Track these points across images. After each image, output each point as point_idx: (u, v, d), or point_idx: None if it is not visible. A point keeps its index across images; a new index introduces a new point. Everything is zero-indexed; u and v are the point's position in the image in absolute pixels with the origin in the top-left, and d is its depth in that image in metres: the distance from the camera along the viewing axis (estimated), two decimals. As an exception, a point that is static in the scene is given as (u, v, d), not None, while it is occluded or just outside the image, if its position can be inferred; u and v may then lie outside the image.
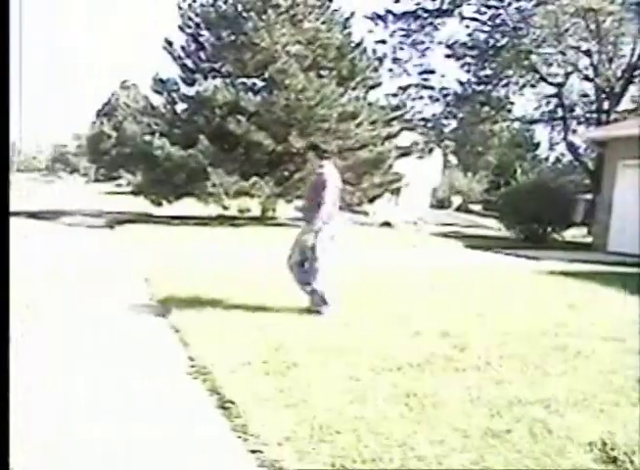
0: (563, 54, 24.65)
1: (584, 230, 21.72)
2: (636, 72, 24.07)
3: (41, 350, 4.21)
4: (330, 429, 2.88)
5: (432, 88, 27.98)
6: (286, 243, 5.74)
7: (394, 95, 26.33)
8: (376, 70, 18.89)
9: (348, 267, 8.29)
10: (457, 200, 39.01)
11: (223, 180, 15.53)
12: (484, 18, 26.85)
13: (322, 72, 16.90)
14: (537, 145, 46.95)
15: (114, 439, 2.82)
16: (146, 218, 17.14)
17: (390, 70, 26.99)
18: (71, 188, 44.41)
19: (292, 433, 2.82)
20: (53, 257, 9.24)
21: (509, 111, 29.72)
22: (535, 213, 16.32)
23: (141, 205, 18.71)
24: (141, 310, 5.48)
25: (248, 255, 9.37)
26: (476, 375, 3.82)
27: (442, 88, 27.81)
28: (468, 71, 27.35)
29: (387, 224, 20.45)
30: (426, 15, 27.05)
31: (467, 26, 27.47)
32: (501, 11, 26.35)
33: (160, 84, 17.90)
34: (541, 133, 47.17)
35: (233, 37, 16.93)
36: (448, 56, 27.50)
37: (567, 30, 23.41)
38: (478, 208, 37.44)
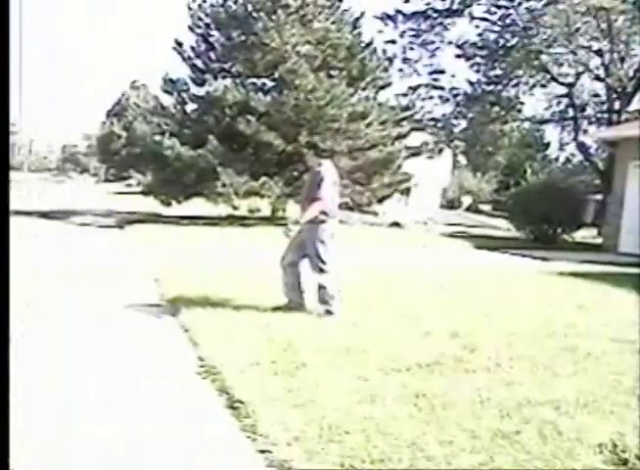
0: (574, 54, 24.52)
1: (594, 231, 21.53)
2: (648, 72, 23.92)
3: (50, 348, 4.23)
4: (339, 429, 2.87)
5: (442, 88, 27.96)
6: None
7: (404, 95, 26.34)
8: (386, 70, 18.90)
9: (358, 267, 8.30)
10: (467, 200, 38.84)
11: (233, 180, 15.56)
12: (494, 18, 26.79)
13: (332, 73, 16.89)
14: (547, 145, 46.80)
15: (123, 439, 2.82)
16: (155, 218, 17.20)
17: (400, 70, 27.00)
18: (82, 188, 44.58)
19: (301, 433, 2.82)
20: (63, 256, 9.29)
21: (519, 111, 29.65)
22: (545, 214, 16.22)
23: (151, 205, 18.77)
24: (150, 310, 5.49)
25: (257, 255, 9.36)
26: (485, 376, 3.81)
27: (452, 88, 27.79)
28: (478, 72, 27.29)
29: (396, 224, 20.38)
30: (436, 15, 27.00)
31: (477, 26, 27.45)
32: (511, 11, 26.21)
33: (170, 84, 17.98)
34: (551, 133, 47.14)
35: (243, 37, 16.97)
36: (458, 56, 27.47)
37: (577, 30, 23.29)
38: (487, 208, 37.28)
